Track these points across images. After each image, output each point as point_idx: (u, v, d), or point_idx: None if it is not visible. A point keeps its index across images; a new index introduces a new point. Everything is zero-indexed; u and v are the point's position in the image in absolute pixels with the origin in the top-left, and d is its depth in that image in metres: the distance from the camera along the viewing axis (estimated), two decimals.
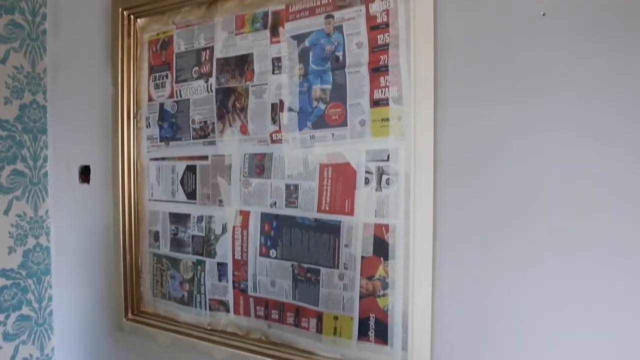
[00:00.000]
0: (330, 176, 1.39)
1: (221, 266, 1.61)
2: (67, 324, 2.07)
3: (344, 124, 1.36)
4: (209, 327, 1.65)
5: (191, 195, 1.68)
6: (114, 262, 1.84)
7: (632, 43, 1.02)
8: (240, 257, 1.57)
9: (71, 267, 2.03)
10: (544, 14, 1.11)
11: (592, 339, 1.08)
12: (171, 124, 1.71)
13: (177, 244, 1.72)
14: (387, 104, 1.29)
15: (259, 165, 1.51)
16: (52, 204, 2.07)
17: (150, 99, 1.77)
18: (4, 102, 1.90)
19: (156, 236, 1.78)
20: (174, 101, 1.70)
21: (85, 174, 1.95)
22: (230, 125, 1.57)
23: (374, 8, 1.31)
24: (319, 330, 1.43)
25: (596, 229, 1.06)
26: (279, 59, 1.47)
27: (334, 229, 1.39)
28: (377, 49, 1.30)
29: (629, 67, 1.03)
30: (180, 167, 1.70)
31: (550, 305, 1.12)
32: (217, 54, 1.59)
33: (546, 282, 1.12)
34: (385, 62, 1.29)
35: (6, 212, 1.93)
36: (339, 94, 1.36)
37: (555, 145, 1.10)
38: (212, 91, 1.60)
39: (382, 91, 1.30)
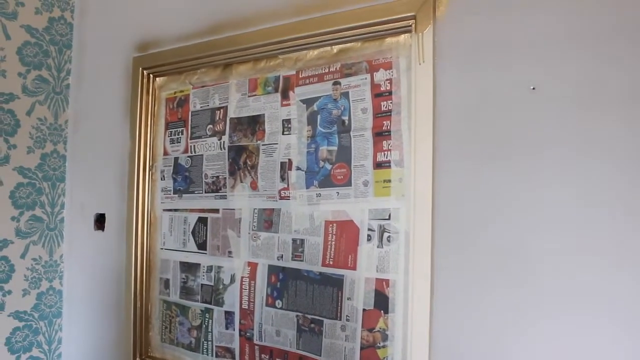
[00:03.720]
0: (334, 232, 1.47)
1: (228, 315, 1.68)
2: None
3: (348, 183, 1.45)
4: None
5: (202, 246, 1.76)
6: (125, 307, 1.91)
7: (614, 112, 1.12)
8: (247, 307, 1.64)
9: (82, 310, 2.09)
10: (533, 88, 1.21)
11: None
12: (185, 178, 1.80)
13: (186, 292, 1.79)
14: (389, 167, 1.39)
15: (268, 220, 1.60)
16: (66, 249, 2.14)
17: (165, 153, 1.87)
18: (27, 152, 2.00)
19: (166, 284, 1.85)
20: (188, 156, 1.80)
21: (100, 221, 2.03)
22: (241, 181, 1.66)
23: (379, 77, 1.41)
24: None
25: (587, 285, 1.13)
26: (288, 121, 1.57)
27: (337, 283, 1.46)
28: (381, 115, 1.40)
29: (611, 137, 1.12)
30: (192, 218, 1.78)
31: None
32: (231, 114, 1.69)
33: (540, 338, 1.18)
34: (388, 127, 1.39)
35: (23, 256, 2.01)
36: (344, 155, 1.46)
37: (546, 209, 1.18)
38: (224, 148, 1.70)
39: (384, 154, 1.39)
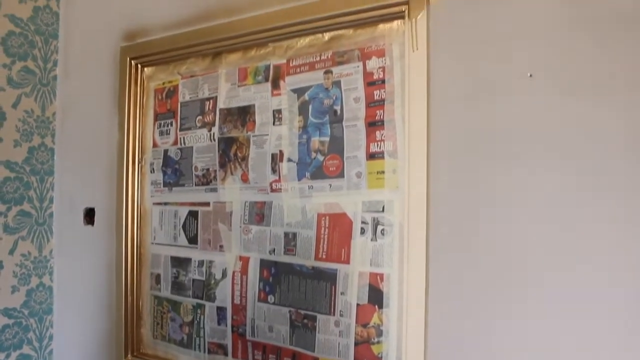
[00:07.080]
0: (327, 225, 1.43)
1: (220, 310, 1.64)
2: None
3: (341, 175, 1.41)
4: None
5: (192, 240, 1.72)
6: (116, 303, 1.87)
7: (613, 103, 1.08)
8: (239, 302, 1.60)
9: (73, 307, 2.06)
10: (530, 75, 1.17)
11: None
12: (175, 170, 1.76)
13: (178, 287, 1.76)
14: (383, 157, 1.35)
15: (259, 213, 1.56)
16: (56, 244, 2.10)
17: (155, 145, 1.82)
18: (13, 145, 1.96)
19: (157, 279, 1.81)
20: (178, 148, 1.76)
21: (89, 215, 1.99)
22: (232, 174, 1.62)
23: (371, 65, 1.37)
24: None
25: (588, 285, 1.10)
26: (279, 111, 1.53)
27: (330, 277, 1.42)
28: (374, 104, 1.36)
29: (611, 126, 1.08)
30: (183, 212, 1.74)
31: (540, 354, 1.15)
32: (220, 104, 1.65)
33: (536, 333, 1.15)
34: (381, 117, 1.35)
35: (11, 252, 1.97)
36: (336, 146, 1.42)
37: (543, 198, 1.14)
38: (214, 140, 1.66)
39: (377, 145, 1.35)
